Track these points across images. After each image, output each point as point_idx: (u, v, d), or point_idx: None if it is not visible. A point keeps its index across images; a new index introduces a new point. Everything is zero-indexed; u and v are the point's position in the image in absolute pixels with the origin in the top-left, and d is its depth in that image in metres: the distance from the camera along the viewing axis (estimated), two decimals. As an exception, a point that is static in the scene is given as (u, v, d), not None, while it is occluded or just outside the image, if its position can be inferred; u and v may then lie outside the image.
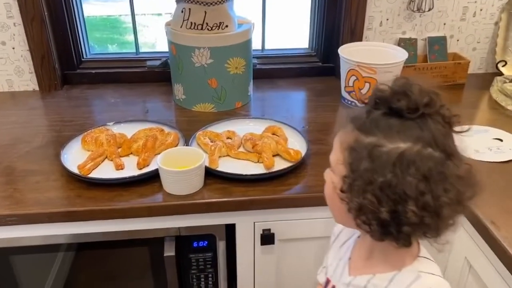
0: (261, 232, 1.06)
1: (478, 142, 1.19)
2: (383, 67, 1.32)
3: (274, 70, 1.62)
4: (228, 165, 1.09)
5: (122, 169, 1.08)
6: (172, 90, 1.46)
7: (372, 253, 0.70)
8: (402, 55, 1.38)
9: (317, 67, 1.64)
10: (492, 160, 1.11)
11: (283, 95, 1.54)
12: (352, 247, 0.77)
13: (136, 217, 1.00)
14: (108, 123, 1.25)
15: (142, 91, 1.54)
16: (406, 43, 1.56)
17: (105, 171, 1.08)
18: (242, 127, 1.25)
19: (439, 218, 0.58)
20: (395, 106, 0.59)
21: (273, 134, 1.22)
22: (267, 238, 1.06)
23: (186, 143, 1.17)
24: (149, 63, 1.58)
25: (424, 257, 0.68)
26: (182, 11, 1.30)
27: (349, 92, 1.41)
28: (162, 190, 1.03)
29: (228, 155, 1.14)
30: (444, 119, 0.60)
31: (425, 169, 0.57)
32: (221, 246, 1.12)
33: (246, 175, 1.04)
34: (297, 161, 1.09)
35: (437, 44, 1.58)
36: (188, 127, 1.29)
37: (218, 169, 1.07)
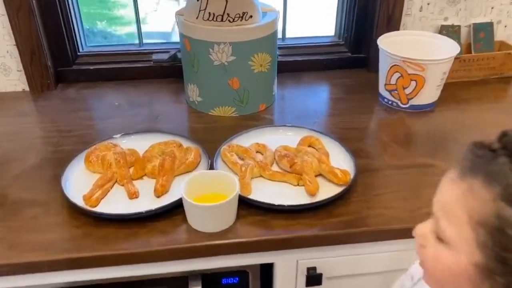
0: (306, 273, 0.89)
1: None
2: (433, 63, 1.14)
3: (297, 63, 1.43)
4: (262, 190, 0.92)
5: (136, 197, 0.90)
6: (185, 90, 1.27)
7: None
8: (452, 47, 1.19)
9: (346, 58, 1.45)
10: None
11: (309, 93, 1.35)
12: None
13: (157, 261, 0.83)
14: (114, 136, 1.06)
15: (148, 89, 1.35)
16: (449, 31, 1.37)
17: (116, 200, 0.90)
18: (272, 138, 1.07)
19: None
20: None
21: (310, 146, 1.04)
22: (314, 278, 0.89)
23: (210, 160, 0.98)
24: (155, 56, 1.37)
25: None
26: (198, 0, 1.09)
27: (390, 91, 1.23)
28: (186, 224, 0.85)
29: (261, 176, 0.96)
30: None
31: None
32: (255, 282, 0.95)
33: (288, 206, 0.87)
34: (346, 185, 0.91)
35: (483, 31, 1.39)
36: (207, 136, 1.11)
37: (253, 197, 0.89)
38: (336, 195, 0.88)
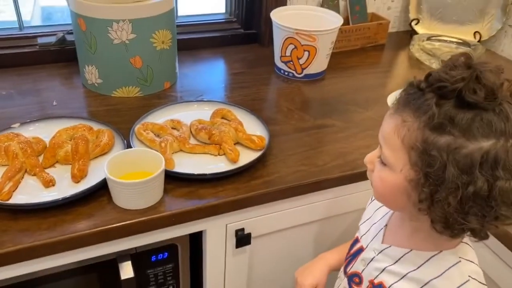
0: (236, 235, 0.93)
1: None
2: (322, 34, 1.24)
3: (194, 41, 1.44)
4: (185, 163, 0.93)
5: (53, 185, 0.86)
6: (81, 73, 1.21)
7: (415, 229, 0.66)
8: (336, 19, 1.31)
9: (240, 35, 1.50)
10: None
11: (210, 70, 1.38)
12: (390, 214, 0.73)
13: (88, 245, 0.80)
14: (13, 126, 0.98)
15: (37, 76, 1.25)
16: (329, 4, 1.49)
17: (32, 191, 0.84)
18: (184, 114, 1.08)
19: None
20: (471, 99, 0.51)
21: (223, 118, 1.07)
22: (243, 239, 0.94)
23: (125, 140, 0.97)
24: (41, 40, 1.28)
25: (466, 243, 0.65)
26: (91, -24, 1.05)
27: (285, 62, 1.31)
28: (112, 204, 0.84)
29: (181, 150, 0.97)
30: None
31: None
32: (184, 254, 0.97)
33: (213, 174, 0.90)
34: (263, 149, 0.97)
35: (358, 4, 1.55)
36: (114, 118, 1.08)
37: (178, 170, 0.90)
38: (256, 159, 0.94)
